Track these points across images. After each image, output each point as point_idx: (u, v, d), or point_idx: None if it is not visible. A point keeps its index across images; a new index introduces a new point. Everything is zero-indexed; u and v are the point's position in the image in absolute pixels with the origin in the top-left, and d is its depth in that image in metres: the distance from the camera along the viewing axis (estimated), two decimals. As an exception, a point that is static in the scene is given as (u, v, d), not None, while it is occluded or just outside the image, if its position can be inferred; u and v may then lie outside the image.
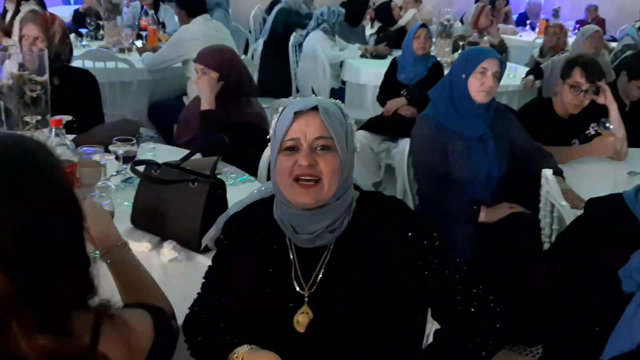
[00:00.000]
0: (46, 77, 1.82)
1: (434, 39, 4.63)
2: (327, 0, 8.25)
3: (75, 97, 2.74)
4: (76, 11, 5.30)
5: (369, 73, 4.76)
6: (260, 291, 1.33)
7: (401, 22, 6.15)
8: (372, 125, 4.10)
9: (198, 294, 1.38)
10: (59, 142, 1.79)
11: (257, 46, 4.94)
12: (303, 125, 1.27)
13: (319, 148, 1.27)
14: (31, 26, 2.61)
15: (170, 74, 4.18)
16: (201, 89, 2.49)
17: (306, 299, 1.29)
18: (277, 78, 6.36)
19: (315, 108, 1.27)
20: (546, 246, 2.32)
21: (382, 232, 1.30)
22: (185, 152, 2.42)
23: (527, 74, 4.60)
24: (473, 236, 2.38)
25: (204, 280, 1.38)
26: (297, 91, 5.51)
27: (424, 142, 2.43)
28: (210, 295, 1.37)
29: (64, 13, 6.20)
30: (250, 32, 7.17)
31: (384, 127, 4.08)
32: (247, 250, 1.36)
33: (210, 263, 1.40)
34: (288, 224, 1.32)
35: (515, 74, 4.73)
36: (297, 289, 1.31)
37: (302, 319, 1.27)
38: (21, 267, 0.83)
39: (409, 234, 1.28)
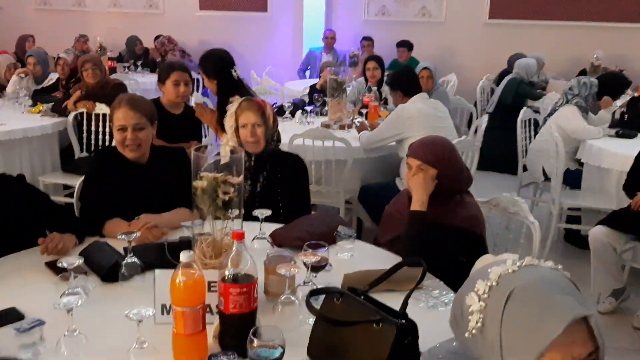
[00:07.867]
0: (241, 177, 1.72)
1: None
2: (557, 67, 7.62)
3: (284, 182, 2.71)
4: (312, 87, 5.52)
5: (614, 155, 4.05)
6: None
7: None
8: (615, 220, 3.43)
9: None
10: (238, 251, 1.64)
11: (482, 121, 4.55)
12: (568, 343, 0.98)
13: None
14: (249, 114, 2.66)
15: (384, 152, 4.05)
16: (414, 186, 2.21)
17: None
18: (503, 153, 5.88)
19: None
20: None
21: None
22: (383, 253, 2.18)
23: None
24: None
25: None
26: (525, 170, 4.97)
27: None
28: None
29: (298, 87, 6.57)
30: (475, 104, 6.83)
31: (631, 223, 3.39)
32: None
33: None
34: None
35: None
36: None
37: None
38: None
39: None
